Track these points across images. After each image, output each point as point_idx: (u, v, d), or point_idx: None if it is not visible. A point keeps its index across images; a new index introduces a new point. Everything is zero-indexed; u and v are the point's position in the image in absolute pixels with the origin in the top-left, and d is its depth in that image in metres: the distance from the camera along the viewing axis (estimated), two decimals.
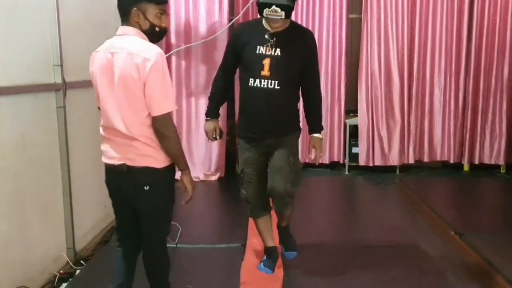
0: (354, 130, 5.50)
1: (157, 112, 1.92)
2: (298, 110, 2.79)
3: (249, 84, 2.59)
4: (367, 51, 5.37)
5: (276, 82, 2.54)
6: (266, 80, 2.55)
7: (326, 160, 5.54)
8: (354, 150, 5.51)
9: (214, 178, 5.20)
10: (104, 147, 2.07)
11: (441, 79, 5.42)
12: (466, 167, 5.55)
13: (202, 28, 5.03)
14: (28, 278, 2.61)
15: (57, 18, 2.92)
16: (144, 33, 2.00)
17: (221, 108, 2.87)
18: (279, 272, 2.88)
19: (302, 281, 2.84)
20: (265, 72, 2.54)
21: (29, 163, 2.66)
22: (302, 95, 2.75)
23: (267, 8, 2.40)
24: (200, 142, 5.13)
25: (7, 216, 2.48)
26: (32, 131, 2.70)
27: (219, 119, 2.83)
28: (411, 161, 5.50)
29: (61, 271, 2.90)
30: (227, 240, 3.42)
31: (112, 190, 2.13)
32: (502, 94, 5.40)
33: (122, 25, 2.01)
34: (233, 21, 4.99)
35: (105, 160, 2.08)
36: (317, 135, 2.76)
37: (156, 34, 2.03)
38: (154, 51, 1.91)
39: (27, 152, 2.64)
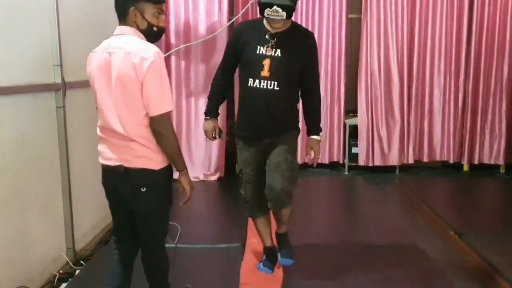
0: (353, 130, 5.50)
1: (155, 112, 1.91)
2: (297, 111, 2.79)
3: (249, 84, 2.58)
4: (366, 51, 5.38)
5: (276, 83, 2.54)
6: (265, 81, 2.54)
7: (325, 160, 5.55)
8: (354, 150, 5.51)
9: (213, 178, 5.20)
10: (101, 147, 2.05)
11: (441, 79, 5.42)
12: (465, 167, 5.56)
13: (202, 28, 5.03)
14: (28, 278, 2.61)
15: (57, 18, 2.92)
16: (142, 33, 1.99)
17: (220, 107, 2.87)
18: (279, 272, 2.88)
19: (301, 281, 2.84)
20: (265, 72, 2.54)
21: (29, 163, 2.66)
22: (301, 95, 2.75)
23: (268, 8, 2.39)
24: (199, 142, 5.13)
25: (7, 216, 2.48)
26: (31, 131, 2.70)
27: (218, 118, 2.83)
28: (411, 161, 5.51)
29: (60, 271, 2.89)
30: (227, 240, 3.42)
31: (109, 191, 2.12)
32: (501, 94, 5.40)
33: (119, 24, 2.00)
34: (232, 20, 4.99)
35: (101, 161, 2.06)
36: (315, 137, 2.75)
37: (154, 34, 2.02)
38: (151, 50, 1.89)
39: (26, 152, 2.64)
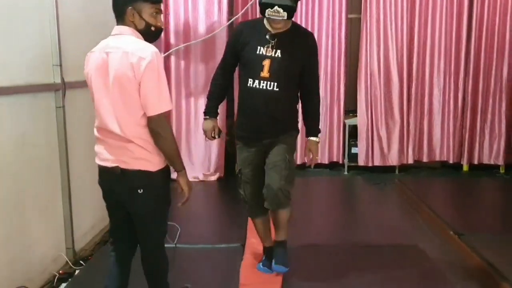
0: (353, 130, 5.50)
1: (153, 112, 1.90)
2: (297, 111, 2.79)
3: (248, 85, 2.58)
4: (366, 51, 5.38)
5: (275, 84, 2.54)
6: (265, 82, 2.54)
7: (325, 160, 5.55)
8: (353, 150, 5.51)
9: (213, 178, 5.20)
10: (98, 148, 2.04)
11: (440, 79, 5.43)
12: (465, 167, 5.56)
13: (201, 29, 5.02)
14: (27, 278, 2.61)
15: (56, 17, 2.92)
16: (140, 33, 1.98)
17: (220, 107, 2.86)
18: None
19: (301, 281, 2.83)
20: (265, 73, 2.54)
21: (28, 163, 2.66)
22: (300, 96, 2.74)
23: (269, 9, 2.39)
24: (199, 142, 5.13)
25: (7, 216, 2.48)
26: (31, 131, 2.70)
27: (217, 118, 2.83)
28: (410, 161, 5.51)
29: (60, 271, 2.90)
30: (227, 240, 3.42)
31: (106, 192, 2.11)
32: (501, 94, 5.41)
33: (117, 24, 1.99)
34: (232, 20, 4.99)
35: (98, 161, 2.05)
36: (313, 138, 2.75)
37: (151, 34, 2.01)
38: (149, 50, 1.88)
39: (26, 152, 2.64)
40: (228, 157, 5.26)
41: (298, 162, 5.29)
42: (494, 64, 5.36)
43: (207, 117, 2.77)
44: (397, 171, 5.54)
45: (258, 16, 2.56)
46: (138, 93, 1.88)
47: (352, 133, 5.51)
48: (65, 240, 3.08)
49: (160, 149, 1.97)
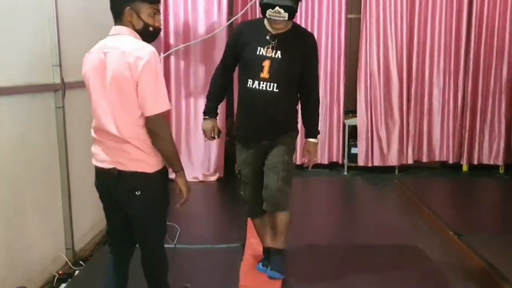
0: (353, 130, 5.50)
1: (150, 112, 1.89)
2: (296, 111, 2.79)
3: (248, 85, 2.58)
4: (366, 51, 5.38)
5: (275, 85, 2.53)
6: (265, 83, 2.54)
7: (325, 161, 5.55)
8: (353, 150, 5.51)
9: (213, 178, 5.20)
10: (95, 149, 2.04)
11: (440, 79, 5.43)
12: (465, 168, 5.56)
13: (201, 29, 5.02)
14: (27, 278, 2.61)
15: (56, 18, 2.92)
16: (138, 33, 1.97)
17: (219, 107, 2.86)
18: None
19: (300, 281, 2.83)
20: (264, 74, 2.53)
21: (28, 164, 2.66)
22: (300, 96, 2.74)
23: (270, 9, 2.39)
24: (199, 143, 5.12)
25: (7, 216, 2.47)
26: (31, 131, 2.70)
27: (217, 118, 2.82)
28: (410, 161, 5.51)
29: (60, 272, 2.89)
30: (226, 240, 3.42)
31: (103, 194, 2.10)
32: (501, 95, 5.41)
33: (115, 25, 1.99)
34: (231, 20, 4.99)
35: (95, 162, 2.04)
36: (312, 140, 2.75)
37: (149, 34, 2.01)
38: (147, 50, 1.87)
39: (26, 152, 2.64)
40: (228, 158, 5.25)
41: (298, 162, 5.29)
42: (494, 64, 5.37)
43: (207, 117, 2.77)
44: (396, 171, 5.55)
45: (258, 16, 2.55)
46: (135, 93, 1.87)
47: (352, 133, 5.51)
48: (65, 240, 3.08)
49: (158, 149, 1.96)
